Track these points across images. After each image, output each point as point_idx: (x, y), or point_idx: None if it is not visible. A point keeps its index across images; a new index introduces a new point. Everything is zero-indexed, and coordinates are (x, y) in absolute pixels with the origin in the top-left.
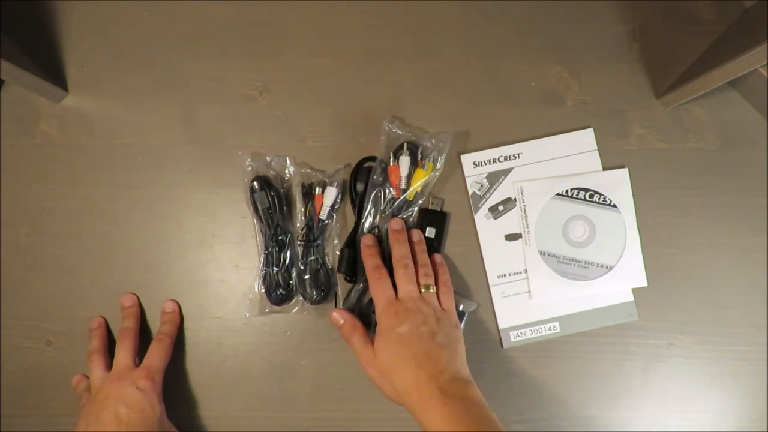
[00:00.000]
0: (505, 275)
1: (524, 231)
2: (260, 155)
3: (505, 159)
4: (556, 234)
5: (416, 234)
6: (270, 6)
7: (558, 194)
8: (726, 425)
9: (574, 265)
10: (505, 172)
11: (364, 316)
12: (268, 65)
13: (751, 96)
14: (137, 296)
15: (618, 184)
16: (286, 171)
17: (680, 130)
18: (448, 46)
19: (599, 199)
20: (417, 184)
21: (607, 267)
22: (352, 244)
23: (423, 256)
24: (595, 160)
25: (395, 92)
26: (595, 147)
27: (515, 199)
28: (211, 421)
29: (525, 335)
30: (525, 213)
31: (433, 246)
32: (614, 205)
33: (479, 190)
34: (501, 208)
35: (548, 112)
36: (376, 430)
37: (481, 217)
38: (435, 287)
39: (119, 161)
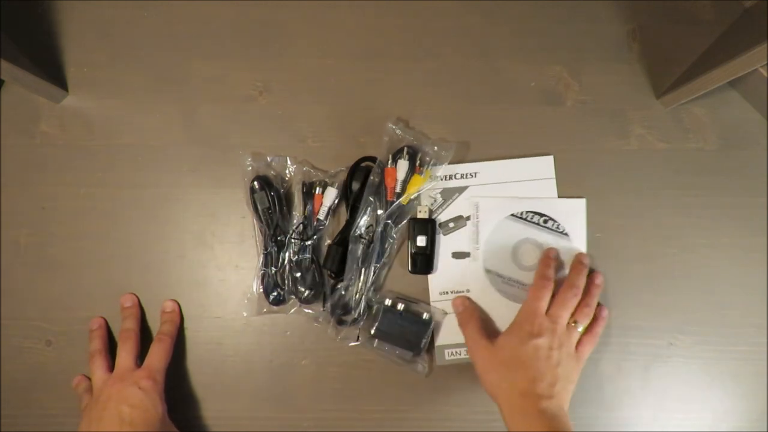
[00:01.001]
0: (447, 292)
1: (473, 247)
2: (261, 155)
3: (462, 177)
4: (505, 254)
5: (599, 278)
6: (270, 6)
7: (513, 215)
8: (726, 425)
9: (518, 287)
10: (460, 190)
11: (345, 314)
12: (268, 65)
13: (751, 96)
14: (137, 296)
15: (573, 213)
16: (287, 171)
17: (680, 130)
18: (448, 46)
19: (553, 225)
20: (413, 190)
21: None
22: (341, 241)
23: (592, 300)
24: (551, 187)
25: (395, 92)
26: (553, 175)
27: (467, 217)
28: (211, 421)
29: (460, 354)
30: (477, 228)
31: (427, 254)
32: (566, 234)
33: (432, 204)
34: (452, 224)
35: (548, 112)
36: (376, 430)
37: (432, 214)
38: (583, 329)
39: (119, 161)
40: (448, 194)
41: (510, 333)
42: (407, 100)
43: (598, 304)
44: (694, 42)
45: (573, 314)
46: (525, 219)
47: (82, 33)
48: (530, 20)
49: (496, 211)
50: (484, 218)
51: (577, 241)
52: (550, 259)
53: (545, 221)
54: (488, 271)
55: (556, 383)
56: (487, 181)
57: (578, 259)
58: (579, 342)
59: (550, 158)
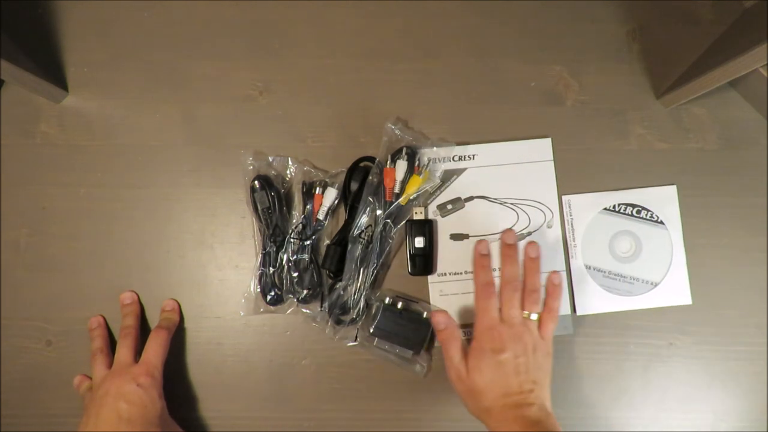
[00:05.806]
0: (445, 274)
1: (571, 244)
2: (263, 154)
3: (460, 159)
4: (602, 248)
5: (533, 250)
6: (270, 6)
7: (605, 209)
8: (726, 425)
9: (619, 280)
10: (458, 172)
11: (343, 314)
12: (268, 65)
13: (751, 96)
14: (137, 294)
15: (666, 201)
16: (288, 171)
17: (680, 130)
18: (448, 46)
19: (646, 215)
20: (411, 191)
21: (652, 283)
22: (340, 241)
23: (534, 279)
24: (550, 169)
25: (395, 92)
26: (551, 157)
27: (465, 199)
28: (211, 421)
29: None
30: (572, 226)
31: (426, 254)
32: (661, 222)
33: (430, 186)
34: (450, 206)
35: (548, 112)
36: (376, 430)
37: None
38: (539, 314)
39: (119, 161)
40: (447, 176)
41: (475, 355)
42: (407, 100)
43: (553, 272)
44: (694, 42)
45: (522, 305)
46: (618, 212)
47: (82, 33)
48: (530, 20)
49: (588, 208)
50: (578, 215)
51: (673, 228)
52: (484, 257)
53: (638, 212)
54: (588, 267)
55: (532, 389)
56: (486, 163)
57: (504, 242)
58: (540, 324)
59: (548, 140)
